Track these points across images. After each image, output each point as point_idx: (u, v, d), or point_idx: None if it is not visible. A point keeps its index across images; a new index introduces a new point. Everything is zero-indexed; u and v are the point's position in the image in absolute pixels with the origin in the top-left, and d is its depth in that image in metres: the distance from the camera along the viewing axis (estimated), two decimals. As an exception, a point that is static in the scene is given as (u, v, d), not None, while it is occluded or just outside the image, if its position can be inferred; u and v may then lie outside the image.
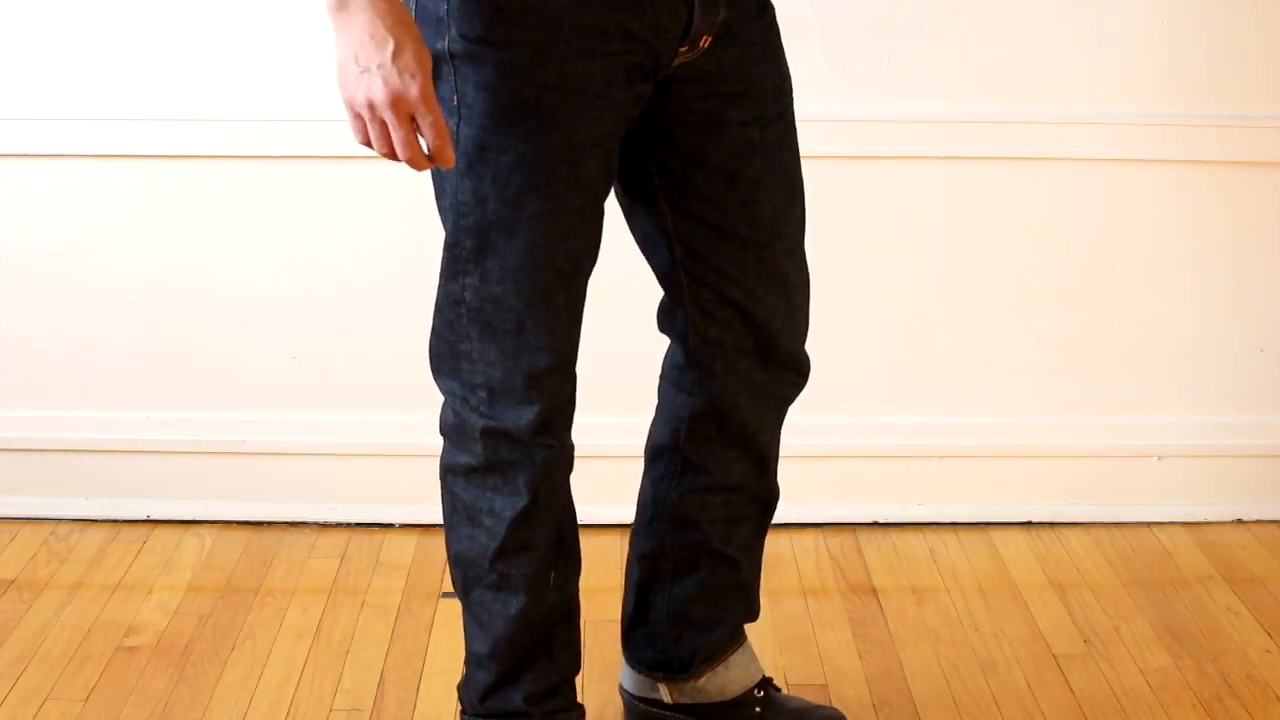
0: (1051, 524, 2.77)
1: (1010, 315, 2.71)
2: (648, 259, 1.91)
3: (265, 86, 2.58)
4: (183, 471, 2.74)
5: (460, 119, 1.69)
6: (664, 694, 2.07)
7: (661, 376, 1.99)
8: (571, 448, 1.86)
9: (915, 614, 2.46)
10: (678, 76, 1.77)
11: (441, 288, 1.78)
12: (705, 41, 1.75)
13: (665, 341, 2.01)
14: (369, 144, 1.61)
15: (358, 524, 2.75)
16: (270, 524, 2.75)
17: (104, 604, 2.47)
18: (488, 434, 1.79)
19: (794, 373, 1.94)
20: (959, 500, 2.77)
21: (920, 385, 2.73)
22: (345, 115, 1.62)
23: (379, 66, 1.57)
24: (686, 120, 1.79)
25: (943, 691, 2.24)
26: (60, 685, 2.24)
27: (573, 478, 1.89)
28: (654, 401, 2.03)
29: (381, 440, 2.72)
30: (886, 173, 2.63)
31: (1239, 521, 2.78)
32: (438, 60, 1.68)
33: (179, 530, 2.73)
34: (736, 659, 2.07)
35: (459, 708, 1.99)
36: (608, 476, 2.53)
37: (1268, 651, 2.35)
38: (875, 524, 2.76)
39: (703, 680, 2.06)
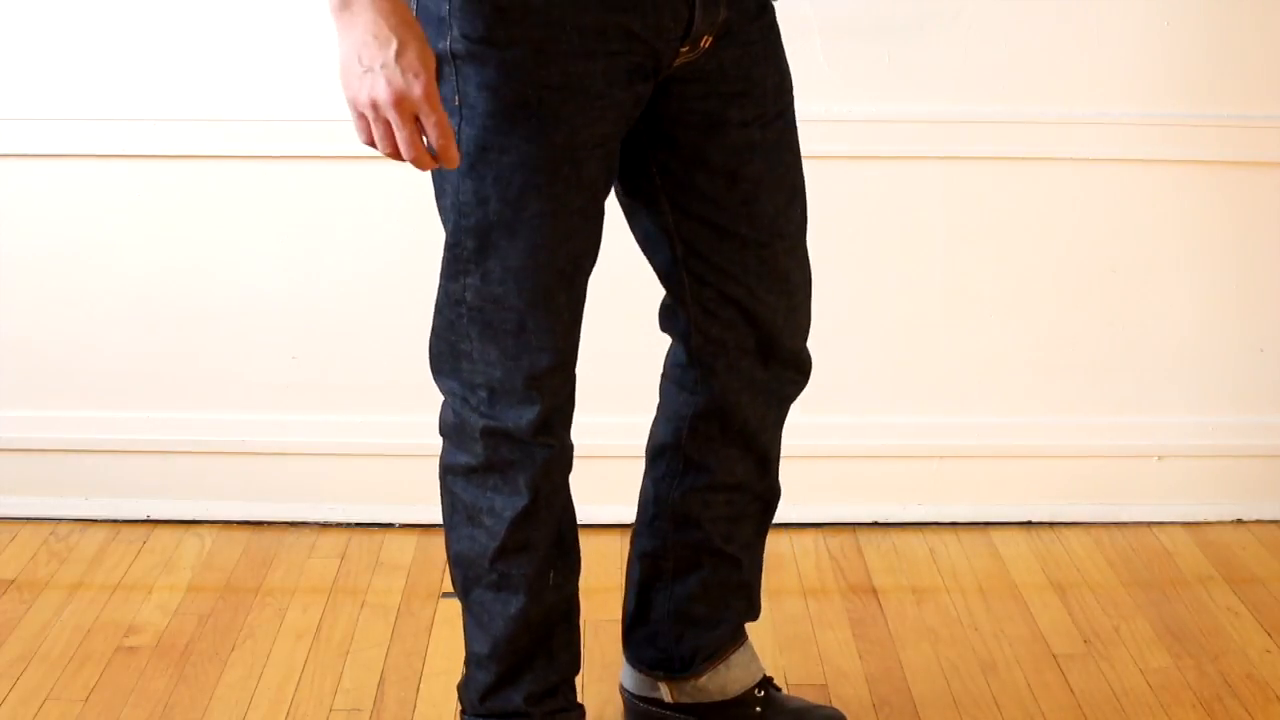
0: (1051, 524, 2.77)
1: (1010, 315, 2.71)
2: (649, 258, 1.91)
3: (265, 86, 2.58)
4: (183, 471, 2.74)
5: (462, 119, 1.69)
6: (665, 693, 2.07)
7: (663, 375, 1.99)
8: (571, 447, 1.86)
9: (915, 614, 2.46)
10: (678, 77, 1.77)
11: (442, 288, 1.78)
12: (706, 41, 1.75)
13: (665, 341, 2.01)
14: (373, 144, 1.61)
15: (358, 524, 2.75)
16: (270, 524, 2.75)
17: (104, 604, 2.47)
18: (488, 434, 1.79)
19: (795, 371, 1.94)
20: (959, 500, 2.77)
21: (920, 385, 2.73)
22: (348, 115, 1.62)
23: (382, 66, 1.57)
24: (687, 120, 1.79)
25: (943, 691, 2.24)
26: (60, 685, 2.24)
27: (573, 478, 1.89)
28: (654, 401, 2.03)
29: (381, 440, 2.72)
30: (886, 173, 2.63)
31: (1239, 521, 2.78)
32: (439, 60, 1.67)
33: (179, 530, 2.73)
34: (738, 658, 2.07)
35: (459, 708, 1.99)
36: (608, 476, 2.53)
37: (1268, 651, 2.35)
38: (875, 524, 2.76)
39: (704, 679, 2.06)
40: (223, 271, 2.67)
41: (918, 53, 2.58)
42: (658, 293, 1.97)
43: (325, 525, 2.75)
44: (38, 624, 2.41)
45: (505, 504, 1.82)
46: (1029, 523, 2.77)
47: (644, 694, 2.09)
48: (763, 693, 2.08)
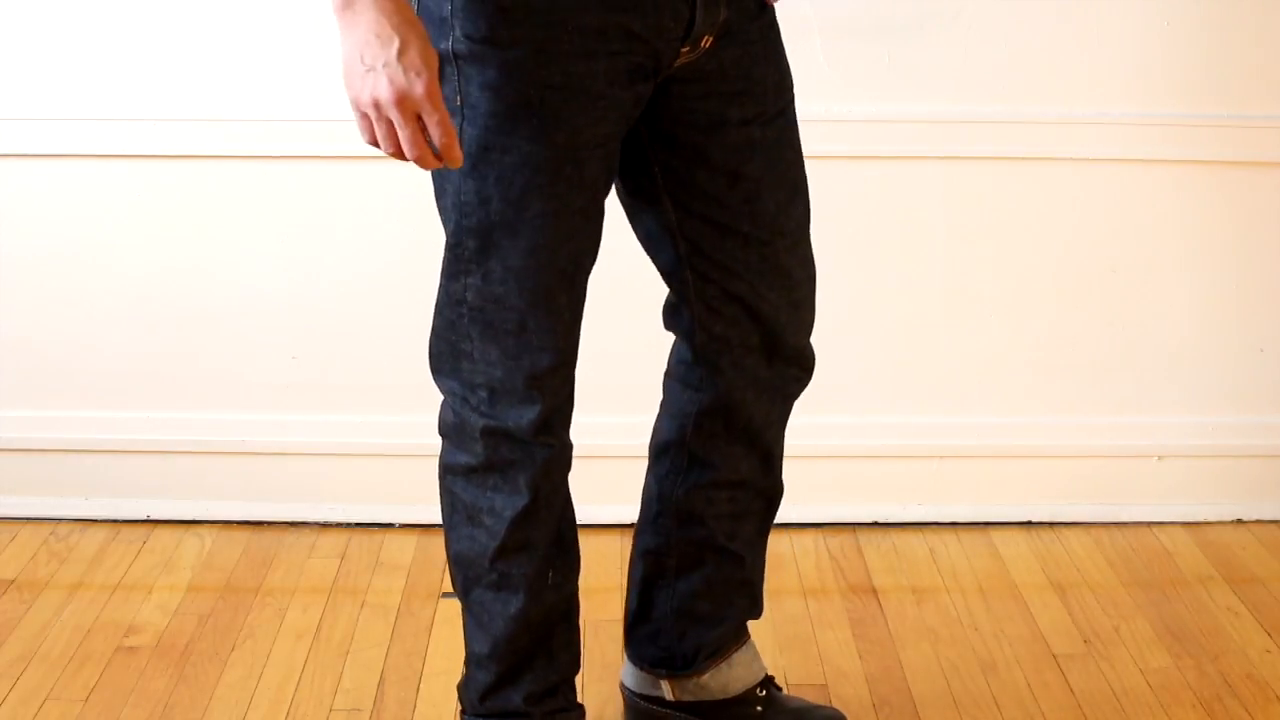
0: (1051, 524, 2.77)
1: (1010, 315, 2.71)
2: (652, 257, 1.91)
3: (265, 86, 2.58)
4: (183, 471, 2.74)
5: (464, 119, 1.69)
6: (666, 691, 2.07)
7: (667, 373, 1.99)
8: (571, 447, 1.86)
9: (915, 614, 2.46)
10: (678, 76, 1.77)
11: (442, 287, 1.78)
12: (706, 41, 1.75)
13: (665, 340, 2.01)
14: (376, 144, 1.61)
15: (358, 524, 2.75)
16: (270, 524, 2.75)
17: (104, 604, 2.47)
18: (488, 433, 1.79)
19: (798, 368, 1.95)
20: (959, 500, 2.77)
21: (920, 385, 2.73)
22: (349, 115, 1.62)
23: (384, 65, 1.57)
24: (688, 120, 1.79)
25: (943, 691, 2.24)
26: (60, 685, 2.24)
27: (573, 478, 1.89)
28: (654, 401, 2.03)
29: (381, 440, 2.72)
30: (886, 173, 2.63)
31: (1239, 521, 2.78)
32: (441, 60, 1.67)
33: (179, 530, 2.73)
34: (740, 656, 2.07)
35: (459, 708, 1.99)
36: (608, 476, 2.53)
37: (1268, 651, 2.35)
38: (875, 524, 2.76)
39: (706, 677, 2.06)
40: (223, 271, 2.67)
41: (918, 53, 2.58)
42: (657, 292, 1.97)
43: (325, 525, 2.75)
44: (38, 624, 2.41)
45: (505, 503, 1.82)
46: (1029, 523, 2.77)
47: (645, 692, 2.09)
48: (764, 692, 2.08)
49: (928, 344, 2.71)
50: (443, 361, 1.81)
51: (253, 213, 2.64)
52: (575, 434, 1.87)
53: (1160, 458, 2.77)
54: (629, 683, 2.11)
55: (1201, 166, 2.65)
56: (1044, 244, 2.68)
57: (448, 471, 1.86)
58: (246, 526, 2.75)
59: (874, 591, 2.54)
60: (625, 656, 2.11)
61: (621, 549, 2.62)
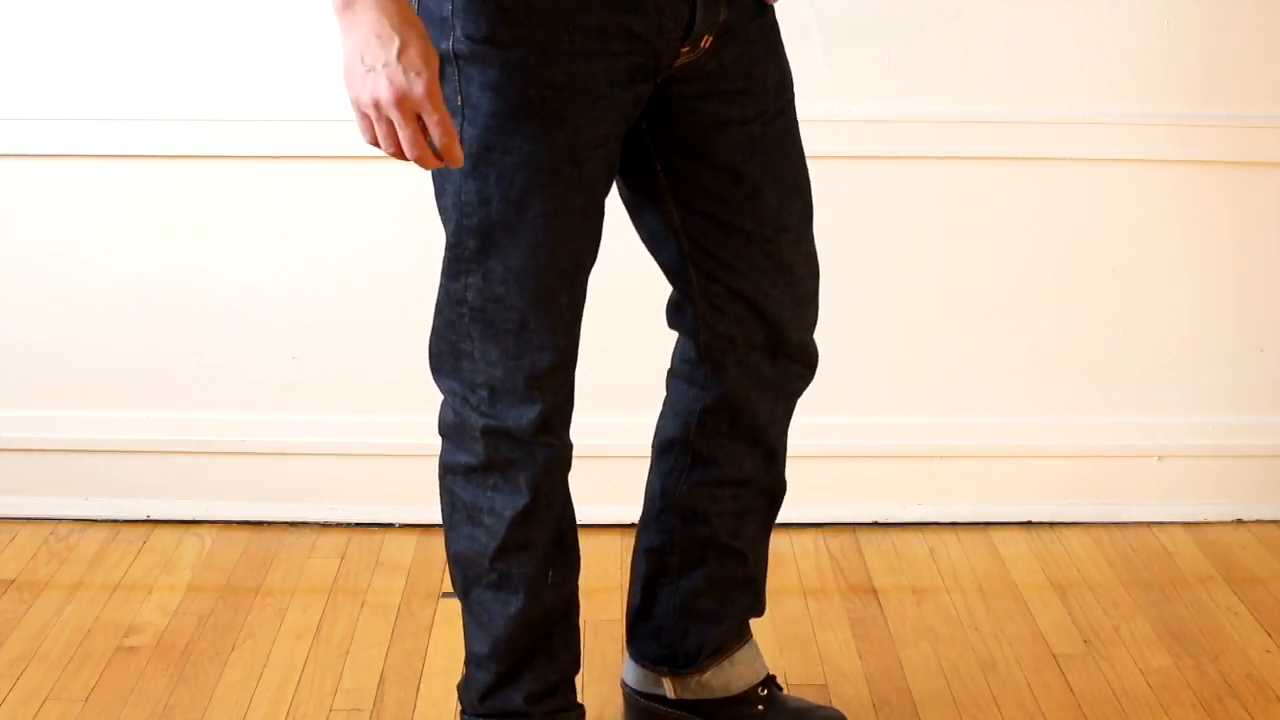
0: (1051, 524, 2.77)
1: (1010, 315, 2.71)
2: (655, 256, 1.91)
3: (265, 86, 2.58)
4: (183, 471, 2.74)
5: (465, 119, 1.69)
6: (668, 689, 2.07)
7: (670, 371, 1.99)
8: (570, 446, 1.86)
9: (915, 614, 2.46)
10: (679, 77, 1.77)
11: (443, 287, 1.78)
12: (706, 41, 1.75)
13: (665, 340, 2.01)
14: (377, 144, 1.61)
15: (358, 524, 2.75)
16: (270, 524, 2.75)
17: (104, 604, 2.47)
18: (488, 433, 1.79)
19: (801, 365, 1.95)
20: (959, 500, 2.77)
21: (920, 385, 2.73)
22: (349, 115, 1.62)
23: (384, 65, 1.57)
24: (689, 120, 1.79)
25: (943, 691, 2.24)
26: (60, 685, 2.24)
27: (573, 478, 1.89)
28: (654, 401, 2.03)
29: (381, 440, 2.72)
30: (886, 173, 2.64)
31: (1239, 521, 2.78)
32: (442, 60, 1.67)
33: (179, 530, 2.73)
34: (742, 655, 2.07)
35: (459, 708, 1.99)
36: (608, 476, 2.53)
37: (1268, 651, 2.35)
38: (875, 524, 2.76)
39: (708, 675, 2.06)
40: (223, 271, 2.67)
41: (918, 53, 2.58)
42: (657, 292, 1.97)
43: (325, 525, 2.75)
44: (38, 624, 2.41)
45: (505, 503, 1.82)
46: (1029, 523, 2.77)
47: (646, 690, 2.09)
48: (766, 691, 2.08)
49: (928, 344, 2.71)
50: (443, 361, 1.81)
51: (253, 213, 2.64)
52: (575, 434, 1.87)
53: (1160, 458, 2.77)
54: (630, 681, 2.11)
55: (1201, 166, 2.65)
56: (1044, 244, 2.68)
57: (448, 471, 1.86)
58: (246, 526, 2.75)
59: (874, 591, 2.54)
60: (627, 655, 2.11)
61: (621, 549, 2.62)
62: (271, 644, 2.36)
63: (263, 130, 2.60)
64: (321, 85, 2.52)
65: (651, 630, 2.06)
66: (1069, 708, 2.20)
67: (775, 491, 2.02)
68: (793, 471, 2.05)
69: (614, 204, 1.84)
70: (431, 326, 1.82)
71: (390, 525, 2.75)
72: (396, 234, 2.63)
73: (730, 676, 2.06)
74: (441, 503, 1.89)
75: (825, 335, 1.98)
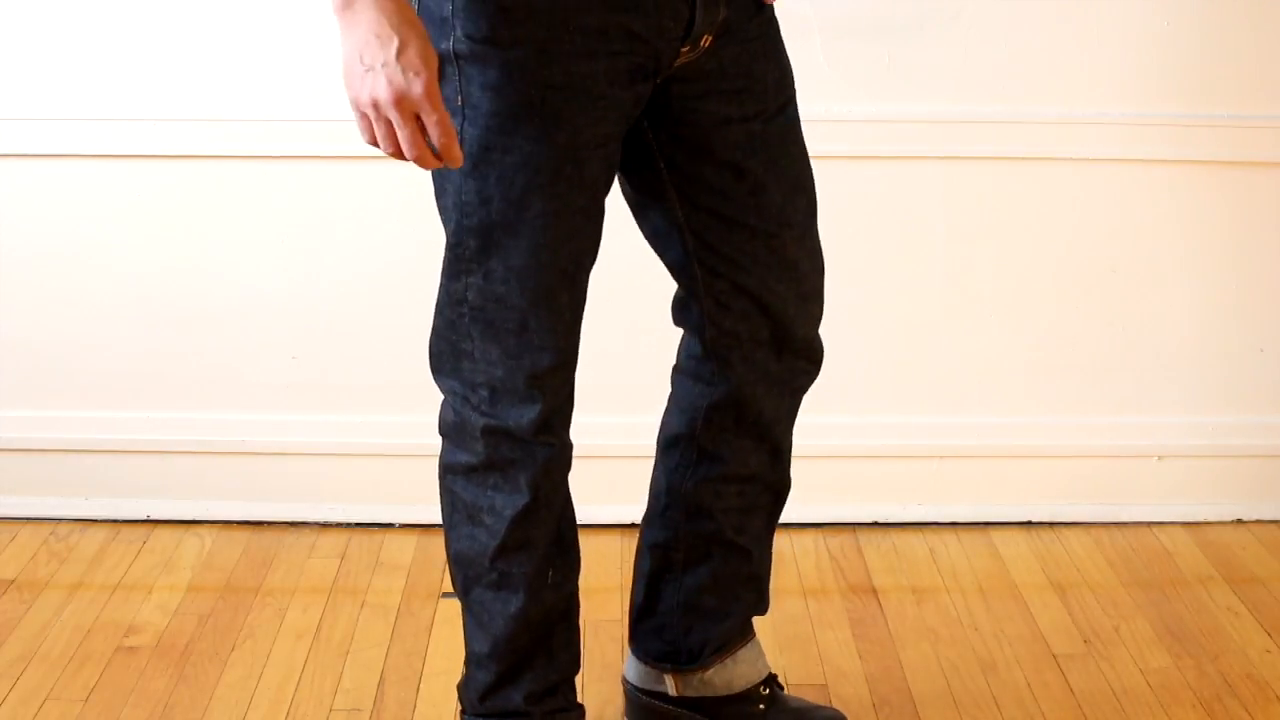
0: (1051, 524, 2.77)
1: (1010, 315, 2.71)
2: (660, 254, 1.91)
3: (265, 86, 2.58)
4: (183, 471, 2.74)
5: (465, 119, 1.69)
6: (670, 686, 2.07)
7: (675, 368, 1.99)
8: (570, 446, 1.86)
9: (915, 614, 2.46)
10: (679, 76, 1.77)
11: (443, 287, 1.78)
12: (706, 41, 1.75)
13: (665, 341, 2.01)
14: (376, 143, 1.61)
15: (358, 524, 2.75)
16: (270, 524, 2.75)
17: (104, 604, 2.47)
18: (488, 433, 1.79)
19: (807, 360, 1.95)
20: (959, 500, 2.77)
21: (920, 385, 2.73)
22: (350, 115, 1.62)
23: (383, 65, 1.57)
24: (690, 119, 1.80)
25: (943, 691, 2.24)
26: (60, 685, 2.24)
27: (573, 478, 1.89)
28: (654, 401, 2.03)
29: (381, 440, 2.72)
30: (886, 173, 2.64)
31: (1239, 521, 2.78)
32: (442, 60, 1.67)
33: (179, 530, 2.73)
34: (745, 653, 2.07)
35: (459, 708, 1.99)
36: (608, 476, 2.53)
37: (1268, 651, 2.35)
38: (875, 524, 2.76)
39: (710, 672, 2.06)
40: (223, 271, 2.67)
41: (918, 53, 2.58)
42: (658, 293, 1.97)
43: (325, 525, 2.75)
44: (38, 624, 2.41)
45: (505, 502, 1.82)
46: (1029, 523, 2.77)
47: (648, 687, 2.09)
48: (767, 690, 2.08)
49: (928, 344, 2.71)
50: (443, 361, 1.81)
51: (253, 213, 2.64)
52: (575, 434, 1.87)
53: (1160, 458, 2.77)
54: (632, 678, 2.11)
55: (1201, 166, 2.65)
56: (1044, 244, 2.68)
57: (448, 471, 1.86)
58: (246, 526, 2.75)
59: (874, 591, 2.54)
60: (628, 651, 2.11)
61: (621, 549, 2.62)
62: (271, 644, 2.36)
63: (263, 130, 2.60)
64: (321, 85, 2.52)
65: (654, 627, 2.06)
66: (1069, 708, 2.20)
67: (780, 488, 2.02)
68: (793, 471, 2.05)
69: (614, 204, 1.84)
70: (432, 326, 1.82)
71: (390, 525, 2.75)
72: (396, 234, 2.63)
73: (733, 674, 2.06)
74: (441, 502, 1.89)
75: (825, 335, 1.98)
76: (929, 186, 2.65)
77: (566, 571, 1.91)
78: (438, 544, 2.65)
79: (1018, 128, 2.61)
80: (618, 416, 2.51)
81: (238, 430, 2.72)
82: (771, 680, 2.09)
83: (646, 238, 1.91)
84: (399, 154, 1.61)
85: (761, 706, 2.07)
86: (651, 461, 2.04)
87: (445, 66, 1.68)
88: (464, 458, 1.83)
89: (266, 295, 2.67)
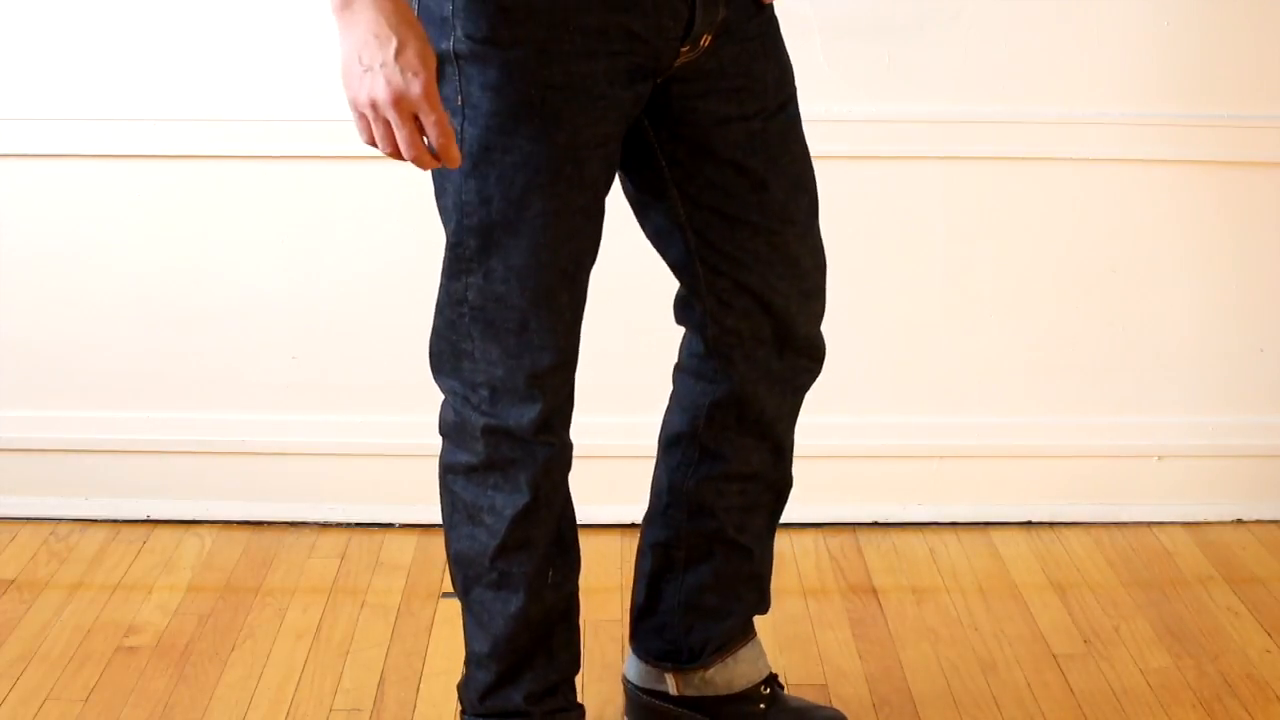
0: (1051, 524, 2.77)
1: (1010, 315, 2.71)
2: (661, 253, 1.91)
3: (265, 86, 2.58)
4: (183, 471, 2.74)
5: (465, 119, 1.69)
6: (670, 685, 2.07)
7: (677, 367, 1.99)
8: (570, 446, 1.86)
9: (915, 614, 2.46)
10: (679, 76, 1.77)
11: (443, 287, 1.78)
12: (705, 40, 1.76)
13: (666, 341, 2.01)
14: (374, 144, 1.61)
15: (358, 524, 2.75)
16: (270, 524, 2.75)
17: (104, 604, 2.47)
18: (489, 432, 1.80)
19: (809, 359, 1.95)
20: (959, 500, 2.77)
21: (920, 385, 2.73)
22: (349, 115, 1.62)
23: (382, 65, 1.57)
24: (690, 118, 1.80)
25: (943, 691, 2.24)
26: (60, 685, 2.24)
27: (573, 478, 1.89)
28: (654, 401, 2.03)
29: (381, 440, 2.72)
30: (886, 173, 2.64)
31: (1239, 521, 2.78)
32: (442, 60, 1.68)
33: (179, 530, 2.73)
34: (745, 653, 2.07)
35: (459, 708, 1.99)
36: (608, 476, 2.53)
37: (1268, 651, 2.35)
38: (875, 524, 2.76)
39: (711, 671, 2.06)
40: (223, 271, 2.67)
41: (918, 53, 2.58)
42: (658, 292, 1.97)
43: (325, 525, 2.75)
44: (38, 624, 2.41)
45: (506, 502, 1.82)
46: (1029, 523, 2.77)
47: (649, 686, 2.09)
48: (768, 690, 2.08)
49: (928, 344, 2.71)
50: (443, 361, 1.81)
51: (253, 213, 2.64)
52: (575, 434, 1.87)
53: (1160, 458, 2.77)
54: (632, 677, 2.11)
55: (1202, 166, 2.65)
56: (1044, 244, 2.68)
57: (448, 471, 1.86)
58: (246, 526, 2.75)
59: (874, 591, 2.54)
60: (629, 650, 2.11)
61: (621, 549, 2.62)
62: (271, 644, 2.36)
63: (263, 130, 2.60)
64: (321, 85, 2.52)
65: (655, 626, 2.06)
66: (1069, 708, 2.20)
67: (782, 487, 2.02)
68: (794, 471, 2.05)
69: (614, 204, 1.85)
70: (432, 326, 1.82)
71: (390, 525, 2.75)
72: (396, 234, 2.63)
73: (733, 674, 2.06)
74: (442, 502, 1.89)
75: (826, 335, 1.98)
76: (929, 186, 2.65)
77: (567, 571, 1.91)
78: (438, 544, 2.65)
79: (1018, 128, 2.61)
80: (618, 416, 2.51)
81: (238, 430, 2.72)
82: (772, 680, 2.09)
83: (648, 237, 1.91)
84: (397, 154, 1.61)
85: (762, 706, 2.07)
86: (652, 461, 2.04)
87: (445, 66, 1.68)
88: (464, 457, 1.83)
89: (266, 295, 2.67)
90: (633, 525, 2.40)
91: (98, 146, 2.61)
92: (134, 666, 2.29)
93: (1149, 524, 2.77)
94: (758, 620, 2.18)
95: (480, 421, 1.79)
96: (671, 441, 2.00)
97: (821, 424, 2.64)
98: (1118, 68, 2.61)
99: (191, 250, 2.66)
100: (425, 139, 1.61)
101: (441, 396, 1.85)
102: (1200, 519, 2.78)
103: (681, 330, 1.98)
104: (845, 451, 2.73)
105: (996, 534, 2.73)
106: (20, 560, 2.62)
